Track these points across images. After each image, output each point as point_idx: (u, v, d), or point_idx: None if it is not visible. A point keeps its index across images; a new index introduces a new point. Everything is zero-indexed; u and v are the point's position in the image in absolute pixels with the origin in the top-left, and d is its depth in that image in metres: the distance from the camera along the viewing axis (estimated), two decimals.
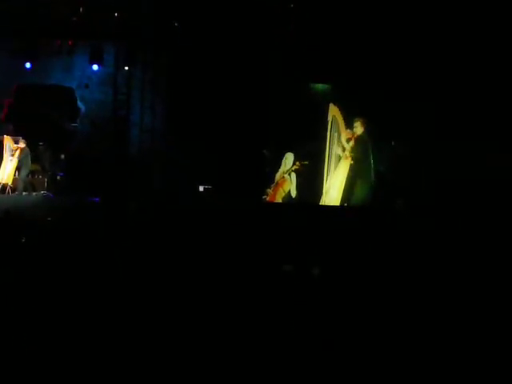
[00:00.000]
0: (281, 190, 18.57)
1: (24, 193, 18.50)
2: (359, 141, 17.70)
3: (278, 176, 18.57)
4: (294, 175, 18.42)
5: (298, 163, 18.34)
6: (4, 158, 18.75)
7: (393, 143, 17.66)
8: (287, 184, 18.49)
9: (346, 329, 7.39)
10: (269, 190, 18.60)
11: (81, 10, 18.07)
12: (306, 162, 18.24)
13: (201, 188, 18.15)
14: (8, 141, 18.79)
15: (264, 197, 18.61)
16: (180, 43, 18.72)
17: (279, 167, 18.60)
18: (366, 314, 7.83)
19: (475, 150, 16.41)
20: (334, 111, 17.86)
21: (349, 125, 17.82)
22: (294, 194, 18.40)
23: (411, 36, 17.01)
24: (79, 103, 19.87)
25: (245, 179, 18.04)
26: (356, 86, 17.66)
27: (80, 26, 18.46)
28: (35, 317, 7.40)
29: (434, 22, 16.69)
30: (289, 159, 18.50)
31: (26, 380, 6.00)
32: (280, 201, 18.56)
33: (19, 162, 18.58)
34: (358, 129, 17.69)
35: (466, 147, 16.55)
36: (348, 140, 17.82)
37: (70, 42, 19.41)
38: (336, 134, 17.90)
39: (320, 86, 18.78)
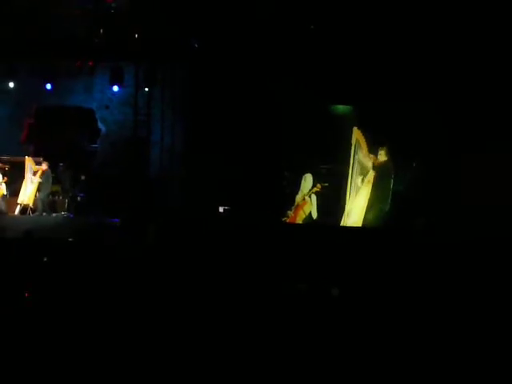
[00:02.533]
0: (301, 211, 18.47)
1: (44, 213, 18.52)
2: (382, 166, 17.63)
3: (298, 198, 18.49)
4: (314, 197, 18.33)
5: (318, 185, 18.26)
6: (25, 179, 18.79)
7: (414, 164, 17.60)
8: (308, 206, 18.40)
9: (359, 348, 7.35)
10: (289, 212, 18.52)
11: (101, 31, 18.14)
12: (327, 184, 18.16)
13: (220, 209, 18.09)
14: (29, 162, 18.84)
15: (284, 218, 18.53)
16: (199, 63, 18.74)
17: (299, 189, 18.53)
18: (384, 335, 7.77)
19: (497, 170, 16.35)
20: (357, 135, 17.80)
21: (371, 149, 17.77)
22: (314, 215, 18.31)
23: (432, 59, 16.98)
24: (99, 124, 19.92)
25: (265, 200, 17.99)
26: (379, 110, 17.63)
27: (100, 47, 18.54)
28: (56, 334, 7.40)
29: (459, 50, 16.67)
30: (308, 181, 18.42)
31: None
32: (300, 222, 18.47)
33: (40, 183, 18.61)
34: (382, 156, 17.63)
35: (486, 167, 16.49)
36: (371, 164, 17.76)
37: (90, 63, 19.48)
38: (358, 158, 17.84)
39: (342, 108, 18.74)
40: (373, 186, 17.66)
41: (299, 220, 18.44)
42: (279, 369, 6.75)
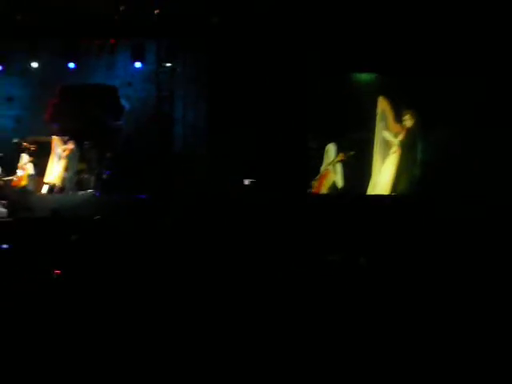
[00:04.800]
0: (325, 181, 18.48)
1: (71, 192, 18.68)
2: (409, 134, 17.61)
3: (322, 168, 18.49)
4: (338, 166, 18.31)
5: (342, 154, 18.24)
6: (52, 158, 18.94)
7: (441, 134, 17.51)
8: (331, 175, 18.39)
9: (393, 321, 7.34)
10: (314, 183, 18.52)
11: (121, 8, 18.13)
12: (352, 153, 18.13)
13: (246, 181, 18.12)
14: (56, 141, 18.99)
15: (309, 189, 18.54)
16: (220, 38, 18.70)
17: (323, 159, 18.52)
18: (412, 306, 7.75)
19: None
20: (383, 104, 17.77)
21: (397, 118, 17.72)
22: (339, 185, 18.31)
23: (462, 23, 16.82)
24: (123, 101, 19.96)
25: (289, 172, 18.00)
26: (404, 76, 17.55)
27: (121, 24, 18.54)
28: (84, 315, 7.45)
29: (483, 11, 16.50)
30: (331, 151, 18.41)
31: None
32: (325, 192, 18.48)
33: (67, 161, 18.76)
34: (408, 122, 17.58)
35: None
36: (397, 133, 17.72)
37: (111, 41, 19.50)
38: (384, 126, 17.81)
39: (367, 77, 18.64)
40: (400, 153, 17.67)
41: (324, 190, 18.44)
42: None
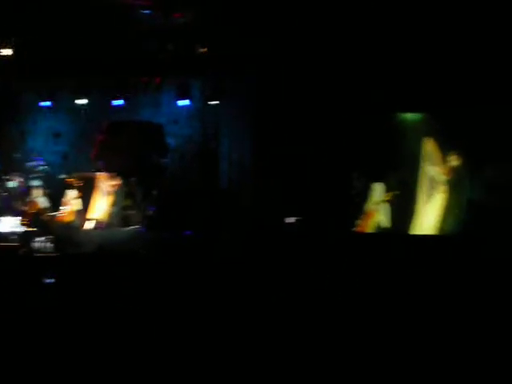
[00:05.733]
0: (370, 221, 18.38)
1: (116, 228, 18.77)
2: (455, 173, 17.46)
3: (368, 207, 18.41)
4: (384, 206, 18.22)
5: (388, 194, 18.17)
6: (98, 194, 19.08)
7: (486, 172, 17.32)
8: (377, 215, 18.30)
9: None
10: (358, 222, 18.45)
11: (168, 46, 18.34)
12: (397, 193, 18.04)
13: (291, 219, 18.07)
14: (102, 177, 19.15)
15: (354, 228, 18.45)
16: (267, 75, 18.78)
17: (368, 198, 18.44)
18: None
19: None
20: (429, 145, 17.70)
21: (443, 157, 17.61)
22: (385, 224, 18.20)
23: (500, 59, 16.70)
24: (168, 138, 20.12)
25: (334, 210, 17.93)
26: (450, 117, 17.45)
27: (167, 62, 18.74)
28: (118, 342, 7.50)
29: None
30: (376, 190, 18.33)
31: None
32: (370, 231, 18.38)
33: (113, 197, 18.89)
34: (454, 161, 17.46)
35: None
36: (443, 173, 17.62)
37: (157, 80, 19.74)
38: (430, 166, 17.72)
39: (412, 116, 18.56)
40: (446, 193, 17.53)
41: (369, 229, 18.35)
42: None
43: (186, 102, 19.77)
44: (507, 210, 16.60)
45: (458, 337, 8.00)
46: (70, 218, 18.41)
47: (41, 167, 19.60)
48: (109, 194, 19.03)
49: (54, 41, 17.81)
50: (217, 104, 19.73)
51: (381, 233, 18.22)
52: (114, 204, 18.94)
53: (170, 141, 20.13)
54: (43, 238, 17.49)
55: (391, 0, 16.48)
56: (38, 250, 17.25)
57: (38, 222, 18.07)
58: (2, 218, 18.36)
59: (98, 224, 18.93)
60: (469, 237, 16.72)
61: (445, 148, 17.64)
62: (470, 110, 17.22)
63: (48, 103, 19.99)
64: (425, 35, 16.91)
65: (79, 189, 18.87)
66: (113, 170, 19.39)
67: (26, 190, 18.98)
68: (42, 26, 17.19)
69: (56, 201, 18.70)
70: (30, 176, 19.41)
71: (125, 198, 19.12)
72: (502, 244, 15.48)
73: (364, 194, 18.50)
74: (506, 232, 16.21)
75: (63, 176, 19.27)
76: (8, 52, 17.79)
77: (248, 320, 8.60)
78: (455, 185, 17.50)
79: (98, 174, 19.30)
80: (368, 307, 9.56)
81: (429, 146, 17.73)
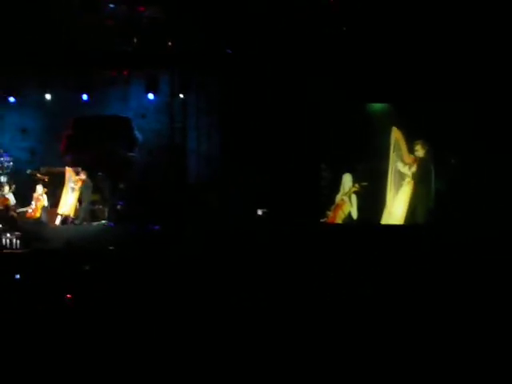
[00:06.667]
0: (340, 211, 18.46)
1: (85, 223, 18.66)
2: (422, 164, 17.63)
3: (337, 198, 18.46)
4: (353, 197, 18.29)
5: (357, 185, 18.23)
6: (65, 189, 18.93)
7: (453, 161, 17.51)
8: (347, 206, 18.38)
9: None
10: (328, 213, 18.50)
11: (135, 40, 18.24)
12: (366, 184, 18.12)
13: (259, 212, 18.09)
14: (70, 172, 18.99)
15: (324, 219, 18.50)
16: (232, 68, 18.77)
17: (338, 189, 18.49)
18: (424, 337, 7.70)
19: None
20: (396, 134, 17.82)
21: (411, 148, 17.75)
22: (354, 215, 18.28)
23: (471, 55, 16.88)
24: (136, 133, 20.01)
25: (303, 202, 17.98)
26: (417, 109, 17.62)
27: (134, 56, 18.65)
28: (94, 343, 7.45)
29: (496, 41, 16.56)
30: (347, 180, 18.39)
31: None
32: (340, 222, 18.45)
33: (81, 192, 18.75)
34: (420, 152, 17.61)
35: None
36: (410, 163, 17.74)
37: (125, 73, 19.61)
38: (398, 157, 17.84)
39: (380, 107, 18.67)
40: (413, 183, 17.66)
41: (339, 220, 18.43)
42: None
43: (153, 96, 19.68)
44: (473, 198, 16.82)
45: (429, 324, 8.05)
46: (37, 214, 18.26)
47: (7, 163, 19.39)
48: (76, 189, 18.86)
49: (17, 35, 17.63)
50: (184, 98, 19.66)
51: (350, 223, 18.31)
52: (82, 199, 18.79)
53: (138, 135, 19.99)
54: (10, 234, 17.36)
55: None
56: (6, 247, 17.11)
57: (6, 218, 17.91)
58: None
59: (66, 219, 18.80)
60: (436, 225, 16.90)
61: (412, 139, 17.78)
62: (436, 104, 17.43)
63: (13, 99, 19.78)
64: (394, 30, 17.06)
65: (47, 184, 18.71)
66: (80, 164, 19.23)
67: None
68: (5, 20, 17.05)
69: (23, 197, 18.53)
70: None
71: (93, 193, 18.99)
72: (467, 232, 15.67)
73: (333, 186, 18.56)
74: (471, 220, 16.42)
75: (30, 172, 19.09)
76: None
77: (216, 313, 8.58)
78: (422, 175, 17.64)
79: (65, 169, 19.12)
80: (339, 297, 9.59)
81: (396, 137, 17.85)
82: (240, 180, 18.23)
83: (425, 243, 15.13)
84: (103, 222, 18.81)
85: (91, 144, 19.48)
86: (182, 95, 19.68)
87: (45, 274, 11.30)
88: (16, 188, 18.57)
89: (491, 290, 9.52)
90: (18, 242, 17.22)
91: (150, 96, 19.71)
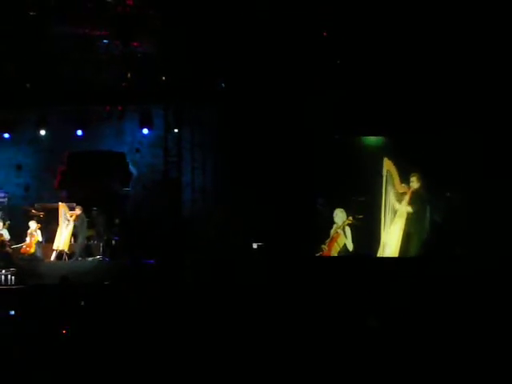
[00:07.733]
0: (335, 244, 18.47)
1: (80, 258, 18.61)
2: (416, 195, 17.68)
3: (332, 231, 18.49)
4: (348, 229, 18.31)
5: (350, 218, 18.26)
6: (60, 224, 18.91)
7: (448, 194, 17.56)
8: (342, 238, 18.38)
9: None
10: (324, 246, 18.51)
11: (129, 75, 18.34)
12: (361, 216, 18.15)
13: (254, 245, 18.08)
14: (63, 208, 18.97)
15: (319, 253, 18.50)
16: (227, 102, 18.86)
17: (332, 222, 18.51)
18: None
19: None
20: (388, 166, 17.89)
21: (403, 179, 17.80)
22: (350, 248, 18.29)
23: (460, 86, 17.00)
24: (131, 167, 20.06)
25: (298, 235, 17.98)
26: (409, 140, 17.71)
27: (128, 91, 18.72)
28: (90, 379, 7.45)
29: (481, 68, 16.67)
30: (340, 215, 18.43)
31: None
32: (336, 255, 18.44)
33: (75, 228, 18.72)
34: (415, 183, 17.66)
35: None
36: (403, 194, 17.78)
37: (119, 108, 19.69)
38: (391, 188, 17.89)
39: (372, 140, 18.77)
40: (408, 215, 17.69)
41: (334, 253, 18.43)
42: None
43: (148, 131, 19.75)
44: (467, 231, 16.85)
45: (424, 357, 8.06)
46: (32, 250, 18.21)
47: (2, 199, 19.40)
48: (71, 224, 18.83)
49: (11, 72, 17.73)
50: (178, 132, 19.71)
51: (345, 256, 18.30)
52: (77, 234, 18.76)
53: (133, 170, 20.03)
54: (5, 271, 17.31)
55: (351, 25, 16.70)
56: (1, 283, 17.06)
57: (1, 254, 17.86)
58: None
59: (61, 255, 18.75)
60: (431, 258, 16.89)
61: (404, 170, 17.84)
62: (430, 135, 17.52)
63: (7, 135, 19.81)
64: (387, 63, 17.17)
65: (41, 220, 18.70)
66: (75, 200, 19.24)
67: None
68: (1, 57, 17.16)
69: (18, 233, 18.50)
70: None
71: (88, 228, 18.97)
72: (463, 264, 15.67)
73: (328, 219, 18.57)
74: (467, 253, 16.44)
75: (25, 207, 19.10)
76: None
77: (212, 348, 8.58)
78: (417, 208, 17.68)
79: (60, 204, 19.10)
80: (333, 328, 9.59)
81: (388, 168, 17.91)
82: (235, 213, 18.25)
83: (420, 276, 15.11)
84: (98, 257, 18.77)
85: (86, 179, 19.54)
86: (176, 129, 19.70)
87: (40, 310, 11.27)
88: (11, 224, 18.56)
89: (488, 322, 9.52)
90: (13, 278, 17.17)
91: (145, 131, 19.79)
